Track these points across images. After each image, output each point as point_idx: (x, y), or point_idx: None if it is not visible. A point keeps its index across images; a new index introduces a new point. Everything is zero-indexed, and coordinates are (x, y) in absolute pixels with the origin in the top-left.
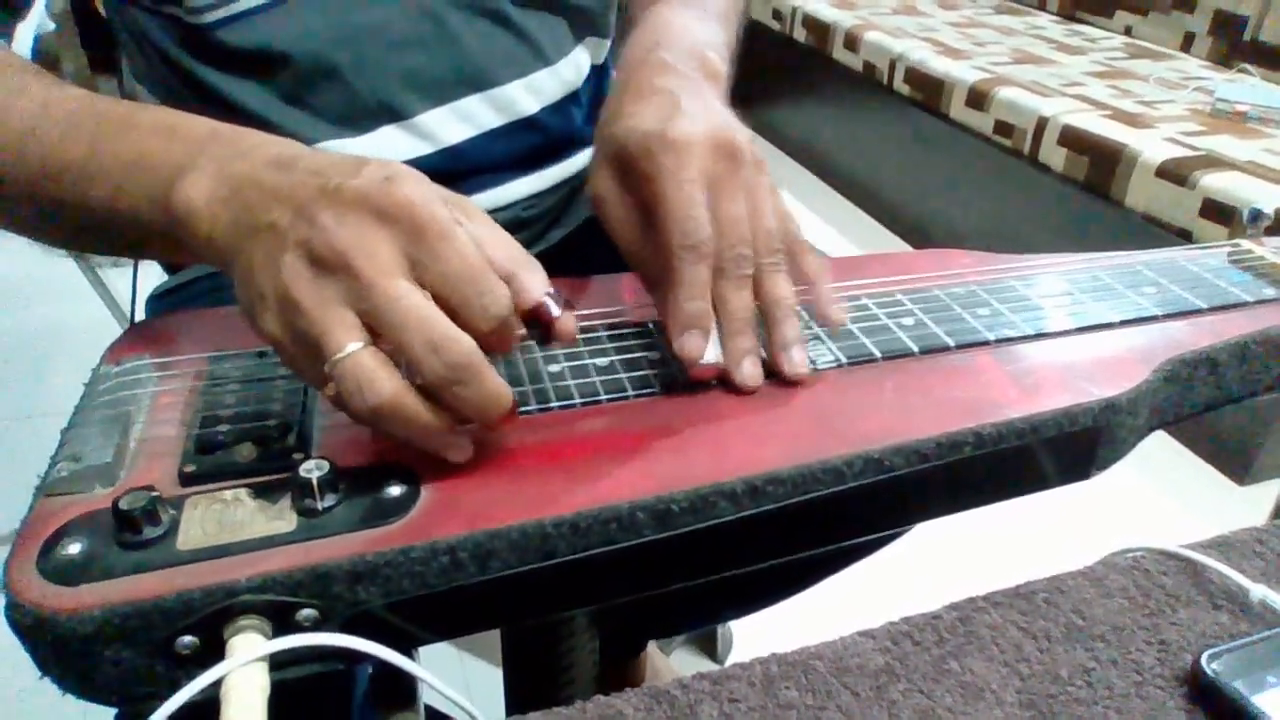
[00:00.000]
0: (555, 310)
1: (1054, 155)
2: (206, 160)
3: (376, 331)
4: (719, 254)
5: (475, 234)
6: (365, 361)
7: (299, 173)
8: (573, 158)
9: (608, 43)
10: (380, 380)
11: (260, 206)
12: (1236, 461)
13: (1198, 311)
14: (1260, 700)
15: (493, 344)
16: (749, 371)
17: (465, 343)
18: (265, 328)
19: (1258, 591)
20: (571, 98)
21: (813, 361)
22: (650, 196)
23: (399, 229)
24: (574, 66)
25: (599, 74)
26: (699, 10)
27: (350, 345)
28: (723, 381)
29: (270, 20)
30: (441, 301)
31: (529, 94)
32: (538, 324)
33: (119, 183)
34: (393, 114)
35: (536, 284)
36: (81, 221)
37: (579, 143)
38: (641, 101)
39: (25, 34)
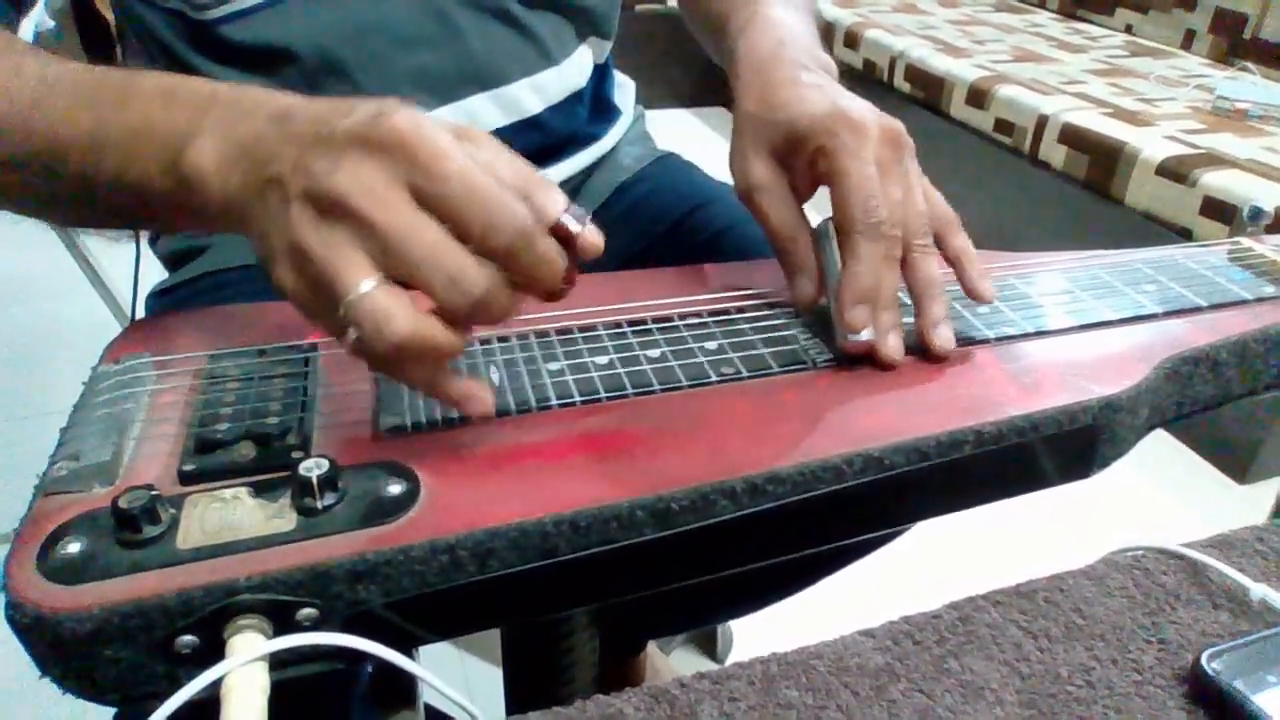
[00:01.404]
0: (575, 226)
1: (1054, 153)
2: (211, 123)
3: (389, 269)
4: None
5: (481, 158)
6: (380, 299)
7: (298, 123)
8: (574, 156)
9: (609, 43)
10: (398, 315)
11: (265, 162)
12: (1237, 460)
13: (1198, 309)
14: (1260, 699)
15: (520, 267)
16: (894, 345)
17: (482, 270)
18: (280, 281)
19: (1258, 590)
20: (575, 96)
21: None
22: (829, 172)
23: (394, 158)
24: (578, 66)
25: (600, 73)
26: (796, 10)
27: (363, 284)
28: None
29: (276, 17)
30: (451, 223)
31: (534, 94)
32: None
33: (127, 153)
34: None
35: (553, 201)
36: (92, 194)
37: (581, 141)
38: (798, 90)
39: (25, 31)
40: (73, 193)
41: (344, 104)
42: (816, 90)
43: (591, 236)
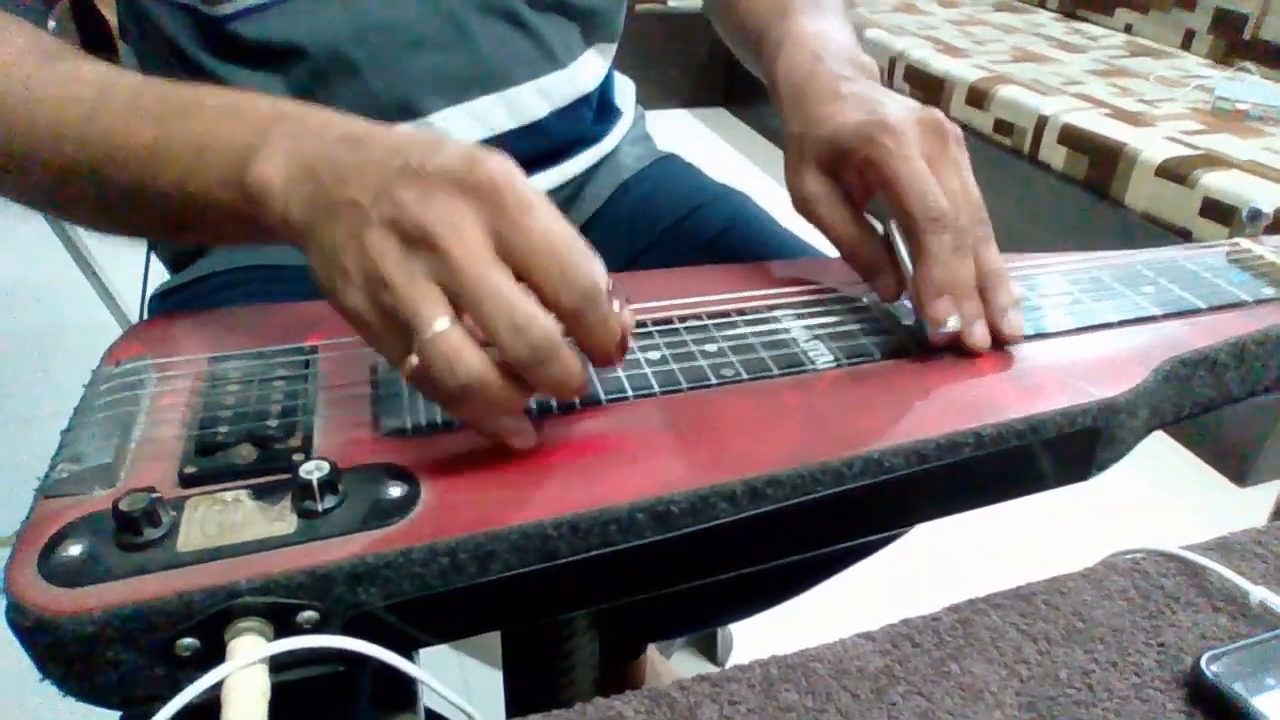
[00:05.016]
0: (615, 303)
1: (1054, 154)
2: (277, 138)
3: (460, 308)
4: None
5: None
6: (455, 339)
7: (376, 150)
8: (576, 158)
9: (614, 47)
10: (469, 358)
11: (338, 184)
12: (1236, 462)
13: (1197, 311)
14: (1260, 702)
15: (584, 325)
16: (980, 333)
17: (546, 323)
18: (349, 304)
19: (1257, 593)
20: (584, 100)
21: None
22: (879, 181)
23: (484, 204)
24: (588, 70)
25: (605, 76)
26: (831, 16)
27: (439, 323)
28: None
29: (288, 14)
30: (526, 276)
31: (540, 97)
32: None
33: (189, 165)
34: (408, 112)
35: (601, 273)
36: (147, 205)
37: (584, 143)
38: (836, 104)
39: None
40: (126, 203)
41: (426, 139)
42: (853, 100)
43: (626, 318)
